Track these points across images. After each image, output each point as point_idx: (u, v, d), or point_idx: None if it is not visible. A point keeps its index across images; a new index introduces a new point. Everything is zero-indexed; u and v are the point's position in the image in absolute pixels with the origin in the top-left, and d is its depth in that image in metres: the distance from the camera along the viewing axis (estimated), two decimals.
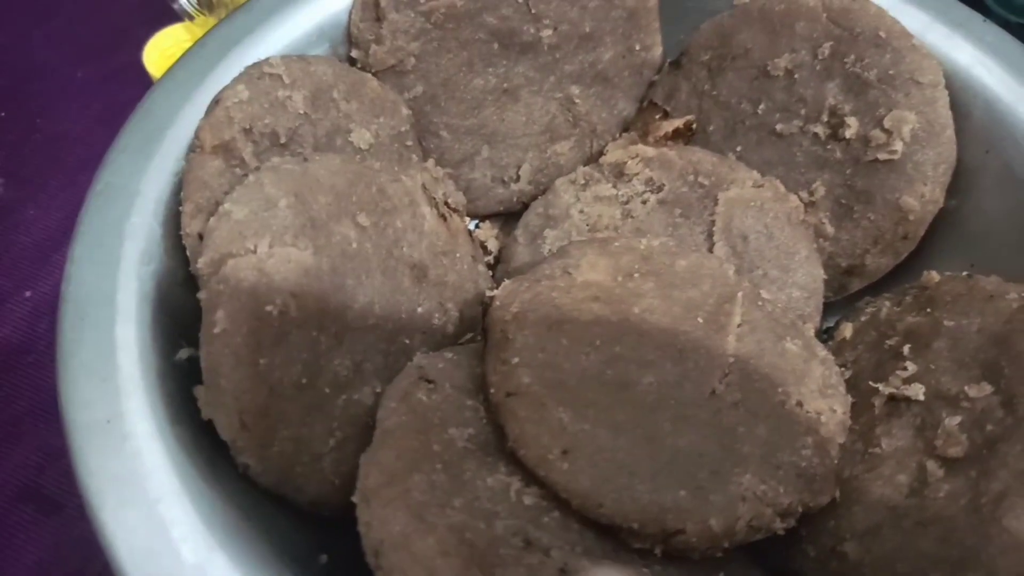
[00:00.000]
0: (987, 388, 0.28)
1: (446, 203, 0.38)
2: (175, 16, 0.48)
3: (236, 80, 0.32)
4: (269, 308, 0.26)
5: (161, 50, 0.46)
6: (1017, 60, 0.35)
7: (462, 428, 0.27)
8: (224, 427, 0.26)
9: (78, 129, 0.48)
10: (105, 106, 0.44)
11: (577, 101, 0.41)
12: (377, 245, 0.31)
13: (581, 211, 0.38)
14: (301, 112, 0.33)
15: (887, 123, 0.35)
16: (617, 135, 0.42)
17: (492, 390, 0.28)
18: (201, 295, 0.27)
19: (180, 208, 0.30)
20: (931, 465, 0.28)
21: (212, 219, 0.28)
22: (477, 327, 0.34)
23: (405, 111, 0.37)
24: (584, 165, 0.41)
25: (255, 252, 0.27)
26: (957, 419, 0.28)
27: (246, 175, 0.29)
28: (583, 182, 0.39)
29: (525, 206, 0.41)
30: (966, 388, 0.29)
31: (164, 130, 0.32)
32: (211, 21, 0.47)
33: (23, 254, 0.42)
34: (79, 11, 0.53)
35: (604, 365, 0.29)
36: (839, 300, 0.38)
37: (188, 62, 0.34)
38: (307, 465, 0.27)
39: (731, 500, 0.26)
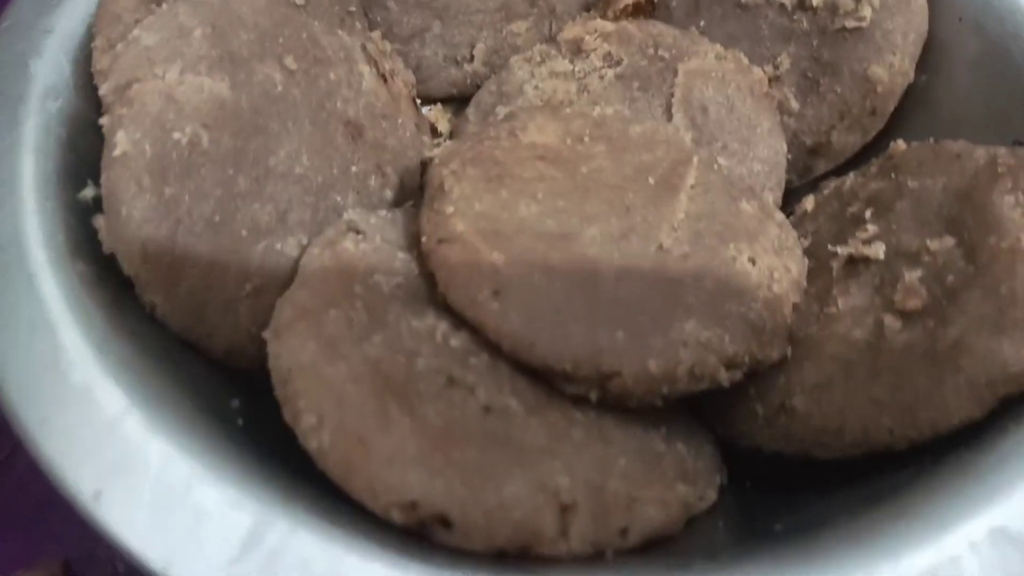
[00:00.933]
0: (949, 241, 0.26)
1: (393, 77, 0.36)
2: None
3: None
4: (177, 135, 0.24)
5: None
6: None
7: (390, 276, 0.26)
8: (126, 259, 0.24)
9: None
10: None
11: None
12: (306, 93, 0.29)
13: (535, 87, 0.36)
14: None
15: None
16: (577, 16, 0.40)
17: (424, 239, 0.26)
18: (103, 120, 0.24)
19: (91, 44, 0.28)
20: (888, 319, 0.26)
21: (120, 45, 0.26)
22: (417, 194, 0.32)
23: None
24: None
25: (163, 78, 0.25)
26: (917, 272, 0.26)
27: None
28: (538, 59, 0.37)
29: (479, 88, 0.38)
30: (928, 242, 0.27)
31: None
32: None
33: None
34: None
35: (543, 216, 0.27)
36: (804, 184, 0.36)
37: None
38: (220, 309, 0.25)
39: (672, 344, 0.24)
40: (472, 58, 0.39)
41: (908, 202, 0.29)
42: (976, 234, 0.26)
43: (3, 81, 0.27)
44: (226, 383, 0.25)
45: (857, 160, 0.35)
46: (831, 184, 0.33)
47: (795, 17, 0.34)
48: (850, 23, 0.33)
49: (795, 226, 0.32)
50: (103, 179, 0.24)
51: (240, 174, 0.26)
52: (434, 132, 0.38)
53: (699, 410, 0.28)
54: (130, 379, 0.22)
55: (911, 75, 0.34)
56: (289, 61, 0.28)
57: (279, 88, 0.28)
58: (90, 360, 0.22)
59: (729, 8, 0.36)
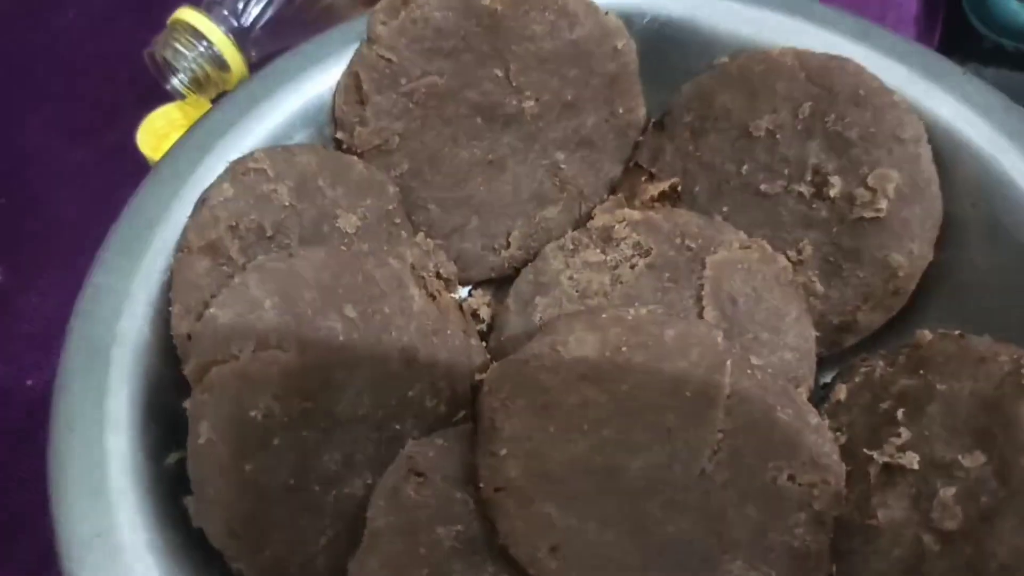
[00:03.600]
0: (980, 457, 0.28)
1: (438, 274, 0.39)
2: (166, 95, 0.49)
3: (221, 178, 0.32)
4: (253, 413, 0.27)
5: (154, 130, 0.47)
6: (999, 113, 0.35)
7: (450, 526, 0.28)
8: (214, 536, 0.26)
9: (73, 213, 0.48)
10: (99, 188, 0.45)
11: (563, 167, 0.41)
12: (365, 334, 0.31)
13: (571, 277, 0.38)
14: (287, 204, 0.33)
15: (871, 181, 0.35)
16: (605, 197, 0.42)
17: (482, 485, 0.28)
18: (187, 403, 0.27)
19: (170, 309, 0.30)
20: (927, 539, 0.27)
21: (198, 324, 0.28)
22: (470, 404, 0.34)
23: (392, 189, 0.38)
24: (573, 228, 0.42)
25: (238, 357, 0.27)
26: (952, 490, 0.28)
27: (232, 274, 0.30)
28: (572, 247, 0.39)
29: (517, 271, 0.41)
30: (960, 457, 0.28)
31: (153, 229, 0.32)
32: (203, 100, 0.48)
33: (24, 342, 0.43)
34: (70, 92, 0.54)
35: (592, 452, 0.29)
36: (834, 355, 0.38)
37: (174, 157, 0.34)
38: (301, 566, 0.28)
39: None
40: (508, 244, 0.41)
41: (938, 406, 0.30)
42: (1006, 451, 0.27)
43: (89, 354, 0.29)
44: None
45: (884, 330, 0.37)
46: (861, 371, 0.34)
47: (814, 205, 0.36)
48: (868, 213, 0.35)
49: (829, 416, 0.34)
50: (189, 464, 0.26)
51: (310, 431, 0.28)
52: (476, 318, 0.41)
53: None
54: None
55: (930, 256, 0.35)
56: (348, 309, 0.31)
57: (341, 338, 0.30)
58: None
59: (750, 196, 0.38)
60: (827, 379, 0.38)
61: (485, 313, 0.41)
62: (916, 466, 0.29)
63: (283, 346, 0.28)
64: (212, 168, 0.34)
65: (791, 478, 0.29)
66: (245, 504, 0.26)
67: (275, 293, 0.29)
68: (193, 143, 0.35)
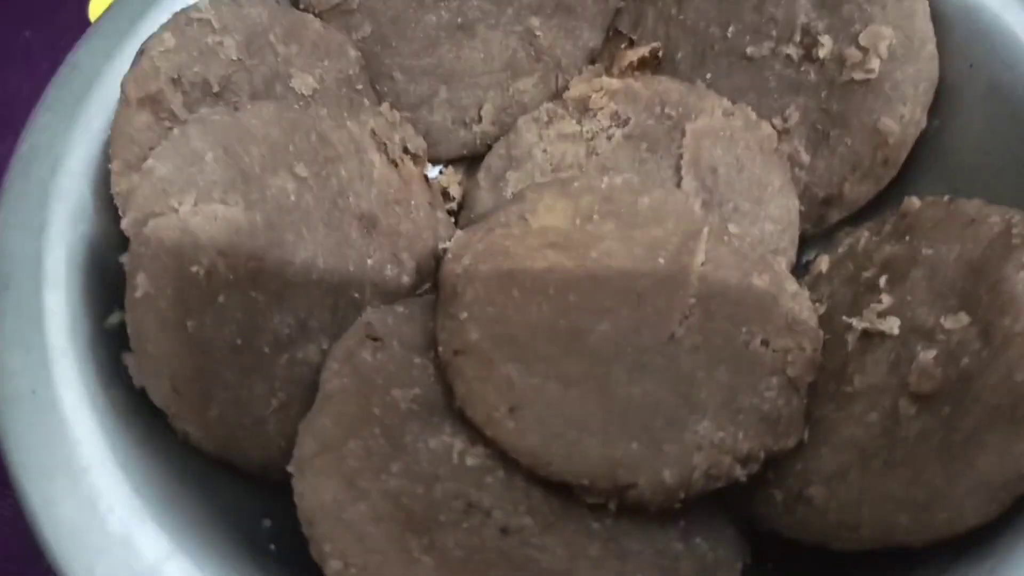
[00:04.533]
0: (964, 319, 0.26)
1: (405, 149, 0.37)
2: None
3: (162, 28, 0.30)
4: (195, 268, 0.25)
5: (106, 4, 0.44)
6: None
7: (407, 388, 0.26)
8: (156, 394, 0.25)
9: (27, 89, 0.46)
10: (53, 65, 0.43)
11: (538, 34, 0.38)
12: (319, 196, 0.30)
13: (544, 150, 0.36)
14: (234, 58, 0.31)
15: (862, 40, 0.32)
16: (583, 68, 0.40)
17: (440, 348, 0.27)
18: (123, 258, 0.25)
19: (108, 166, 0.29)
20: (903, 403, 0.26)
21: (135, 177, 0.26)
22: (434, 277, 0.33)
23: (353, 53, 0.35)
24: (549, 101, 0.40)
25: (178, 210, 0.26)
26: (932, 353, 0.26)
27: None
28: (546, 119, 0.37)
29: (489, 147, 0.39)
30: (942, 320, 0.27)
31: (91, 85, 0.30)
32: None
33: None
34: None
35: (557, 316, 0.27)
36: (819, 233, 0.36)
37: (116, 12, 0.32)
38: (249, 428, 0.26)
39: (686, 449, 0.25)
40: (480, 119, 0.39)
41: (922, 271, 0.29)
42: (990, 313, 0.26)
43: (24, 211, 0.28)
44: (258, 503, 0.26)
45: (871, 207, 0.35)
46: (845, 242, 0.33)
47: (802, 69, 0.34)
48: (858, 75, 0.33)
49: (810, 287, 0.32)
50: (128, 319, 0.25)
51: (259, 292, 0.27)
52: (447, 196, 0.39)
53: (717, 493, 0.28)
54: (168, 520, 0.23)
55: (923, 123, 0.33)
56: (300, 168, 0.29)
57: (292, 198, 0.29)
58: (128, 504, 0.23)
59: (735, 60, 0.35)
60: (811, 259, 0.36)
61: (456, 191, 0.39)
62: (896, 331, 0.28)
63: (227, 200, 0.27)
64: (155, 22, 0.31)
65: (764, 343, 0.28)
66: (188, 361, 0.25)
67: (218, 145, 0.27)
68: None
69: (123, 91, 0.29)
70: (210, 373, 0.26)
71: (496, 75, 0.39)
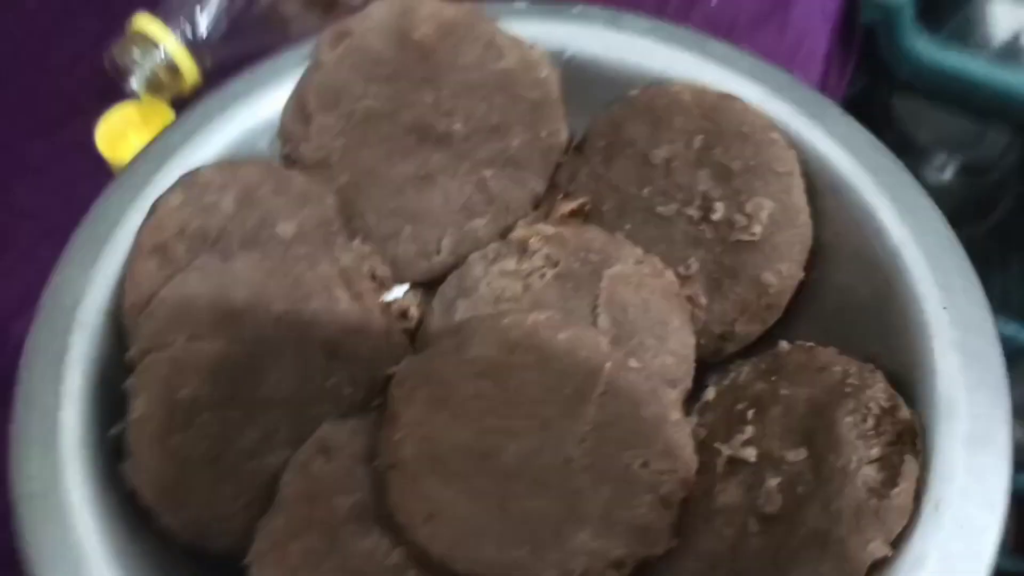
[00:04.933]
0: (803, 452, 0.32)
1: (372, 275, 0.44)
2: (124, 92, 0.53)
3: (171, 189, 0.37)
4: (182, 394, 0.32)
5: (112, 127, 0.50)
6: (865, 149, 0.39)
7: (347, 496, 0.32)
8: (144, 496, 0.31)
9: (32, 204, 0.51)
10: (59, 180, 0.49)
11: (490, 183, 0.45)
12: (290, 330, 0.36)
13: (488, 284, 0.42)
14: (230, 212, 0.38)
15: (748, 208, 0.39)
16: (530, 210, 0.47)
17: (377, 462, 0.33)
18: (128, 383, 0.32)
19: (119, 303, 0.35)
20: (751, 521, 0.32)
21: (142, 315, 0.33)
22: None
23: (330, 200, 0.42)
24: (501, 237, 0.46)
25: (172, 345, 0.32)
26: (776, 480, 0.32)
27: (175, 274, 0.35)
28: (492, 257, 0.43)
29: (447, 274, 0.45)
30: (787, 453, 0.33)
31: (112, 231, 0.37)
32: (158, 101, 0.52)
33: None
34: (30, 84, 0.56)
35: (476, 437, 0.34)
36: (718, 362, 0.42)
37: (134, 168, 0.39)
38: (219, 524, 0.33)
39: (566, 555, 0.31)
40: (440, 251, 0.46)
41: (780, 408, 0.35)
42: (823, 450, 0.32)
43: (49, 339, 0.34)
44: None
45: (761, 340, 0.41)
46: (730, 375, 0.39)
47: (701, 227, 0.41)
48: (744, 236, 0.39)
49: (699, 414, 0.38)
50: (127, 435, 0.31)
51: (234, 411, 0.33)
52: (406, 316, 0.45)
53: None
54: None
55: (799, 276, 0.40)
56: (276, 306, 0.36)
57: (269, 331, 0.35)
58: None
59: (649, 216, 0.42)
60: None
61: (414, 312, 0.45)
62: (753, 459, 0.34)
63: (214, 339, 0.33)
64: (168, 177, 0.39)
65: (645, 464, 0.34)
66: (170, 470, 0.31)
67: (210, 291, 0.34)
68: (152, 155, 0.40)
69: (138, 241, 0.36)
70: (188, 480, 0.32)
71: (454, 215, 0.46)
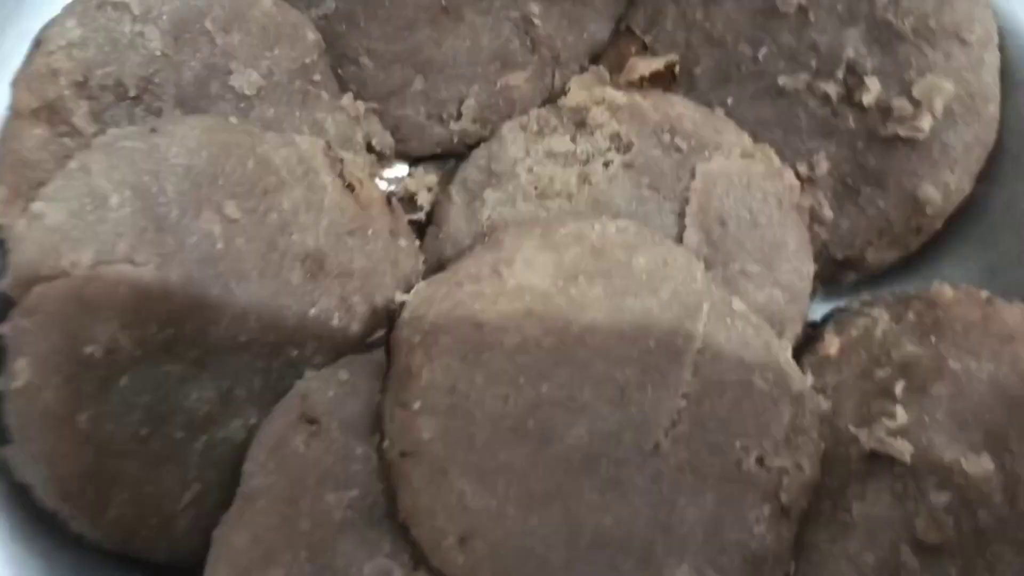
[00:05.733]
0: (988, 463, 0.23)
1: (368, 146, 0.32)
2: None
3: (66, 11, 0.24)
4: (90, 349, 0.21)
5: None
6: None
7: (343, 491, 0.23)
8: (43, 497, 0.21)
9: None
10: None
11: (537, 21, 0.33)
12: (253, 238, 0.25)
13: (530, 169, 0.31)
14: (158, 53, 0.25)
15: (916, 91, 0.28)
16: (586, 64, 0.34)
17: (386, 444, 0.23)
18: (3, 329, 0.21)
19: None
20: (905, 550, 0.23)
21: (21, 222, 0.21)
22: (389, 322, 0.29)
23: (311, 36, 0.30)
24: (543, 102, 0.34)
25: (72, 272, 0.21)
26: (945, 497, 0.23)
27: (76, 150, 0.23)
28: (536, 129, 0.32)
29: (469, 148, 0.34)
30: (962, 459, 0.24)
31: None
32: None
33: None
34: None
35: (526, 412, 0.24)
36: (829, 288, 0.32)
37: None
38: (156, 527, 0.23)
39: None
40: (460, 115, 0.34)
41: (947, 388, 0.25)
42: (1019, 463, 0.23)
43: None
44: None
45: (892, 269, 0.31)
46: (859, 322, 0.29)
47: (840, 111, 0.29)
48: (904, 131, 0.28)
49: (814, 372, 0.29)
50: (6, 408, 0.21)
51: (173, 363, 0.23)
52: (413, 204, 0.34)
53: None
54: None
55: (968, 191, 0.29)
56: (230, 208, 0.24)
57: (219, 245, 0.24)
58: None
59: (763, 88, 0.30)
60: (816, 316, 0.32)
61: (424, 199, 0.34)
62: (908, 459, 0.24)
63: (135, 258, 0.22)
64: None
65: (759, 460, 0.24)
66: (80, 460, 0.21)
67: (126, 185, 0.22)
68: None
69: (12, 97, 0.23)
70: (109, 471, 0.22)
71: (483, 66, 0.34)
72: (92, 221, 0.21)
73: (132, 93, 0.25)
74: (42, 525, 0.22)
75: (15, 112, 0.23)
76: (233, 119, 0.26)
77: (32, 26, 0.25)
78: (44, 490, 0.21)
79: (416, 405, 0.24)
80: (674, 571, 0.22)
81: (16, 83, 0.23)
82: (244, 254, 0.24)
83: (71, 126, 0.24)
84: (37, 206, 0.21)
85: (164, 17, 0.25)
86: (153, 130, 0.23)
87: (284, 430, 0.24)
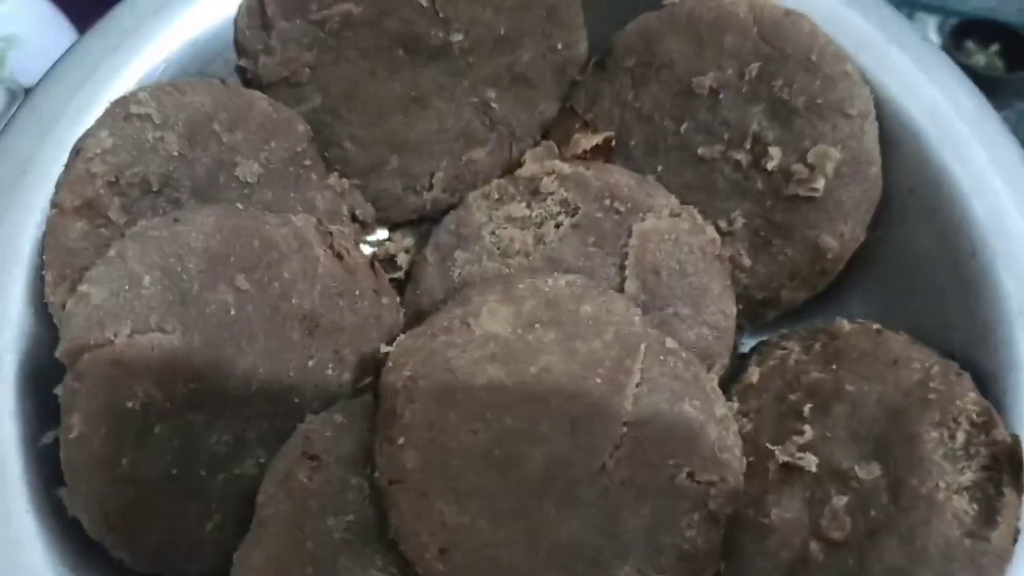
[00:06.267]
0: (876, 470, 0.28)
1: (353, 216, 0.37)
2: None
3: (99, 124, 0.29)
4: (131, 404, 0.25)
5: None
6: (951, 87, 0.33)
7: (341, 516, 0.27)
8: (91, 528, 0.25)
9: None
10: None
11: (494, 105, 0.38)
12: (260, 304, 0.29)
13: (493, 232, 0.36)
14: (175, 153, 0.30)
15: (811, 158, 0.33)
16: (539, 137, 0.40)
17: (377, 474, 0.28)
18: (58, 390, 0.25)
19: (43, 273, 0.28)
20: (814, 546, 0.28)
21: (70, 302, 0.26)
22: (375, 370, 0.33)
23: (301, 128, 0.35)
24: (503, 171, 0.39)
25: (113, 342, 0.25)
26: (844, 499, 0.28)
27: (112, 238, 0.27)
28: (496, 197, 0.37)
29: (441, 213, 0.38)
30: (856, 467, 0.28)
31: (19, 179, 0.29)
32: None
33: None
34: None
35: (493, 443, 0.28)
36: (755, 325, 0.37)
37: (46, 89, 0.31)
38: (185, 552, 0.27)
39: None
40: (432, 186, 0.39)
41: (844, 408, 0.30)
42: (901, 468, 0.28)
43: None
44: None
45: (807, 305, 0.36)
46: (776, 352, 0.34)
47: (750, 175, 0.34)
48: (803, 191, 0.33)
49: (739, 398, 0.33)
50: (63, 455, 0.25)
51: (196, 414, 0.27)
52: (393, 265, 0.39)
53: None
54: None
55: (861, 238, 0.34)
56: (240, 280, 0.29)
57: (232, 312, 0.28)
58: None
59: (686, 157, 0.35)
60: (745, 349, 0.37)
61: (403, 260, 0.39)
62: (814, 469, 0.29)
63: (164, 326, 0.26)
64: (91, 107, 0.30)
65: (690, 475, 0.29)
66: (122, 497, 0.25)
67: (156, 267, 0.27)
68: (66, 76, 0.31)
69: (57, 199, 0.28)
70: (145, 505, 0.26)
71: (449, 144, 0.38)
72: (129, 298, 0.26)
73: (155, 188, 0.29)
74: (90, 554, 0.26)
75: (60, 209, 0.28)
76: (240, 205, 0.31)
77: (68, 135, 0.29)
78: (92, 523, 0.25)
79: (401, 440, 0.28)
80: (619, 572, 0.27)
81: (60, 186, 0.28)
82: (253, 318, 0.29)
83: (106, 219, 0.28)
84: (83, 288, 0.26)
85: (179, 123, 0.30)
86: (175, 220, 0.28)
87: (290, 466, 0.28)
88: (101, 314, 0.26)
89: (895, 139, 0.33)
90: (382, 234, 0.40)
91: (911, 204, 0.33)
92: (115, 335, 0.25)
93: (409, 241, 0.40)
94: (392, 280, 0.37)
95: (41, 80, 0.31)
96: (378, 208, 0.39)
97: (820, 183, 0.33)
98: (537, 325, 0.31)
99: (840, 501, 0.28)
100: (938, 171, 0.32)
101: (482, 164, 0.39)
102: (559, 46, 0.37)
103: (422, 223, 0.40)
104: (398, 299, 0.36)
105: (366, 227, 0.38)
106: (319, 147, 0.36)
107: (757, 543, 0.29)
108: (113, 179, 0.28)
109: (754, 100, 0.34)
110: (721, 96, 0.34)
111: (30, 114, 0.30)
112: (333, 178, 0.36)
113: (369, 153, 0.37)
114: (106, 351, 0.25)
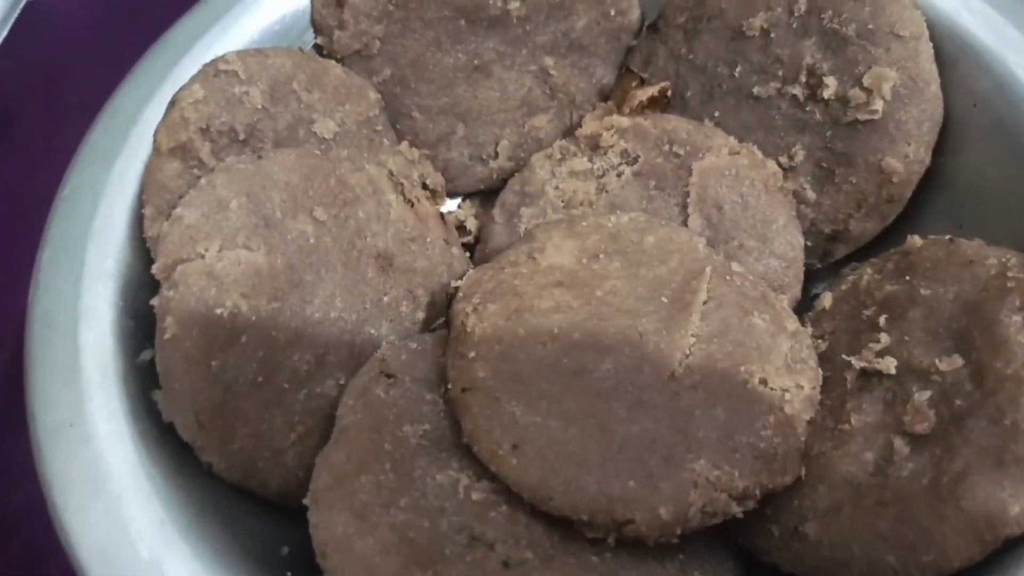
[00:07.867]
0: (958, 361, 0.27)
1: (424, 185, 0.39)
2: None
3: (192, 80, 0.32)
4: (219, 311, 0.27)
5: None
6: (1005, 3, 0.33)
7: (417, 424, 0.28)
8: (183, 429, 0.27)
9: None
10: None
11: (553, 72, 0.40)
12: (337, 238, 0.31)
13: (556, 187, 0.37)
14: (259, 107, 0.33)
15: (866, 81, 0.33)
16: (597, 103, 0.41)
17: (450, 385, 0.28)
18: (154, 301, 0.27)
19: (142, 211, 0.31)
20: (898, 442, 0.27)
21: (165, 224, 0.28)
22: (447, 313, 0.34)
23: (373, 95, 0.37)
24: (564, 137, 0.41)
25: (204, 256, 0.27)
26: (926, 394, 0.27)
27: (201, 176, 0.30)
28: (559, 156, 0.38)
29: (505, 182, 0.40)
30: (937, 361, 0.27)
31: (128, 130, 0.32)
32: None
33: None
34: None
35: (561, 354, 0.29)
36: (826, 267, 0.37)
37: (151, 60, 0.34)
38: (269, 460, 0.28)
39: (681, 487, 0.26)
40: (497, 155, 0.41)
41: (920, 311, 0.29)
42: (983, 355, 0.27)
43: (65, 253, 0.30)
44: (277, 531, 0.28)
45: (879, 241, 0.36)
46: (849, 278, 0.33)
47: (807, 108, 0.35)
48: (862, 115, 0.33)
49: (813, 324, 0.33)
50: (157, 358, 0.27)
51: (279, 331, 0.29)
52: (463, 230, 0.40)
53: (718, 527, 0.29)
54: (194, 546, 0.25)
55: (927, 161, 0.34)
56: (319, 212, 0.31)
57: (311, 240, 0.30)
58: (157, 531, 0.25)
59: (742, 99, 0.36)
60: (819, 292, 0.37)
61: (472, 225, 0.40)
62: (893, 371, 0.28)
63: (250, 245, 0.28)
64: (188, 70, 0.33)
65: (763, 381, 0.29)
66: (211, 397, 0.27)
67: (242, 193, 0.29)
68: (170, 45, 0.34)
69: (155, 141, 0.31)
70: (233, 408, 0.27)
71: (512, 113, 0.40)
72: (218, 220, 0.28)
73: (241, 137, 0.32)
74: (181, 459, 0.28)
75: (156, 151, 0.31)
76: (317, 153, 0.33)
77: (167, 98, 0.33)
78: (184, 423, 0.27)
79: (472, 354, 0.29)
80: (693, 465, 0.26)
81: (156, 131, 0.31)
82: (331, 249, 0.31)
83: (198, 160, 0.31)
84: (177, 211, 0.28)
85: (263, 80, 0.33)
86: (259, 156, 0.30)
87: (368, 382, 0.29)
88: (193, 232, 0.28)
89: (951, 58, 0.33)
90: (452, 204, 0.42)
91: (975, 120, 0.33)
92: (206, 250, 0.28)
93: (476, 208, 0.41)
94: (463, 245, 0.39)
95: (144, 55, 0.34)
96: (447, 178, 0.41)
97: (879, 105, 0.33)
98: (601, 255, 0.32)
99: (923, 396, 0.27)
100: (999, 80, 0.32)
101: (544, 131, 0.41)
102: (612, 12, 0.39)
103: (489, 195, 0.42)
104: (468, 257, 0.38)
105: (436, 196, 0.40)
106: (390, 117, 0.39)
107: (838, 448, 0.28)
108: (204, 126, 0.31)
109: (805, 34, 0.34)
110: (772, 35, 0.35)
111: (135, 82, 0.33)
112: (404, 146, 0.38)
113: (437, 123, 0.40)
114: (197, 263, 0.27)
